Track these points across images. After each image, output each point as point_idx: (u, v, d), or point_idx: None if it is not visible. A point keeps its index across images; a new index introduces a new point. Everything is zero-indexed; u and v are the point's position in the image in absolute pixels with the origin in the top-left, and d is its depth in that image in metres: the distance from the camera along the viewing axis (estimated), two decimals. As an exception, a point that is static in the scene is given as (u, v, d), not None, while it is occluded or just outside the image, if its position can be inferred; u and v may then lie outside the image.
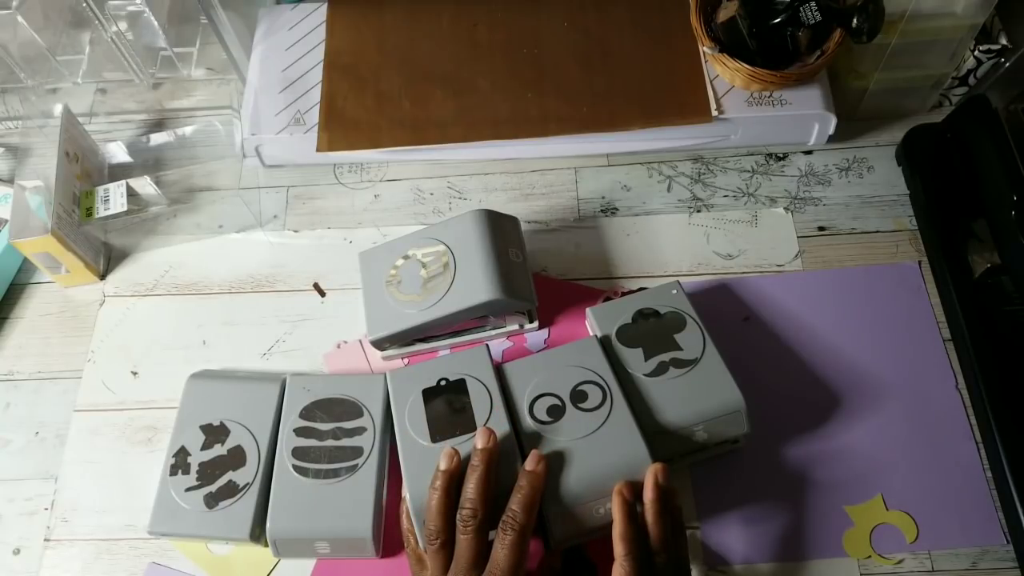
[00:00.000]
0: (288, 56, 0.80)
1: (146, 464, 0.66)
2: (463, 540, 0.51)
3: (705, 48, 0.72)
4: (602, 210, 0.76)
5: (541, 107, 0.75)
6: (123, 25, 0.80)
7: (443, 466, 0.54)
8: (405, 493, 0.56)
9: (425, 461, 0.56)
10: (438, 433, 0.58)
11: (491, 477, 0.53)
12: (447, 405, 0.60)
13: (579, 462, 0.56)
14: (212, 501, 0.59)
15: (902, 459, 0.62)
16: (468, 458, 0.55)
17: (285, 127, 0.76)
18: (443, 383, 0.61)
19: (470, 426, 0.58)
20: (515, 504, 0.52)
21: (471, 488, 0.52)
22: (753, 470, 0.63)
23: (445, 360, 0.64)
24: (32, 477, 0.66)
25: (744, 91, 0.73)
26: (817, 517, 0.61)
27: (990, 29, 0.73)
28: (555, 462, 0.56)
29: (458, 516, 0.52)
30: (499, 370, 0.62)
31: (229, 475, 0.60)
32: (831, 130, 0.74)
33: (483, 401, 0.59)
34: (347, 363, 0.69)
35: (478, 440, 0.55)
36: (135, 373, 0.70)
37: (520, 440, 0.58)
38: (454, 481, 0.54)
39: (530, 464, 0.54)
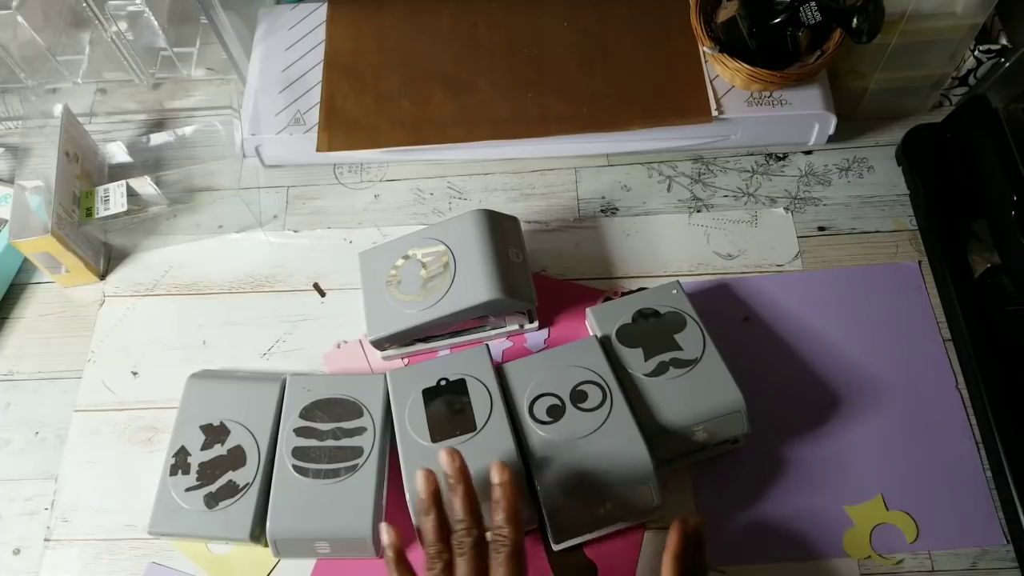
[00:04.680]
0: (288, 56, 0.80)
1: (146, 464, 0.66)
2: (463, 562, 0.50)
3: (705, 48, 0.72)
4: (602, 210, 0.76)
5: (541, 107, 0.75)
6: (123, 25, 0.80)
7: (427, 490, 0.53)
8: (406, 493, 0.56)
9: (425, 461, 0.56)
10: (438, 433, 0.58)
11: (474, 493, 0.53)
12: (447, 405, 0.60)
13: (579, 462, 0.56)
14: (212, 501, 0.59)
15: (902, 459, 0.62)
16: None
17: (285, 127, 0.76)
18: (443, 383, 0.61)
19: (470, 426, 0.58)
20: (498, 519, 0.51)
21: (460, 508, 0.51)
22: (753, 470, 0.62)
23: (445, 360, 0.64)
24: (32, 477, 0.66)
25: (744, 91, 0.73)
26: (817, 517, 0.61)
27: (990, 29, 0.73)
28: (555, 462, 0.56)
29: (454, 538, 0.51)
30: (499, 370, 0.62)
31: (229, 475, 0.60)
32: (831, 130, 0.74)
33: (483, 401, 0.59)
34: (347, 363, 0.69)
35: (446, 463, 0.53)
36: (135, 373, 0.70)
37: (520, 440, 0.58)
38: (441, 501, 0.53)
39: (496, 476, 0.53)
